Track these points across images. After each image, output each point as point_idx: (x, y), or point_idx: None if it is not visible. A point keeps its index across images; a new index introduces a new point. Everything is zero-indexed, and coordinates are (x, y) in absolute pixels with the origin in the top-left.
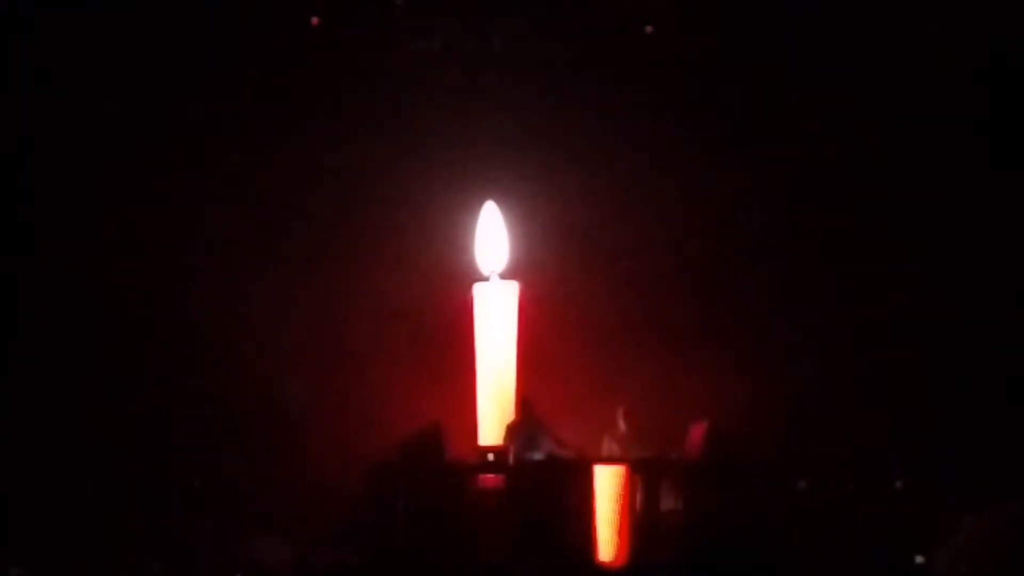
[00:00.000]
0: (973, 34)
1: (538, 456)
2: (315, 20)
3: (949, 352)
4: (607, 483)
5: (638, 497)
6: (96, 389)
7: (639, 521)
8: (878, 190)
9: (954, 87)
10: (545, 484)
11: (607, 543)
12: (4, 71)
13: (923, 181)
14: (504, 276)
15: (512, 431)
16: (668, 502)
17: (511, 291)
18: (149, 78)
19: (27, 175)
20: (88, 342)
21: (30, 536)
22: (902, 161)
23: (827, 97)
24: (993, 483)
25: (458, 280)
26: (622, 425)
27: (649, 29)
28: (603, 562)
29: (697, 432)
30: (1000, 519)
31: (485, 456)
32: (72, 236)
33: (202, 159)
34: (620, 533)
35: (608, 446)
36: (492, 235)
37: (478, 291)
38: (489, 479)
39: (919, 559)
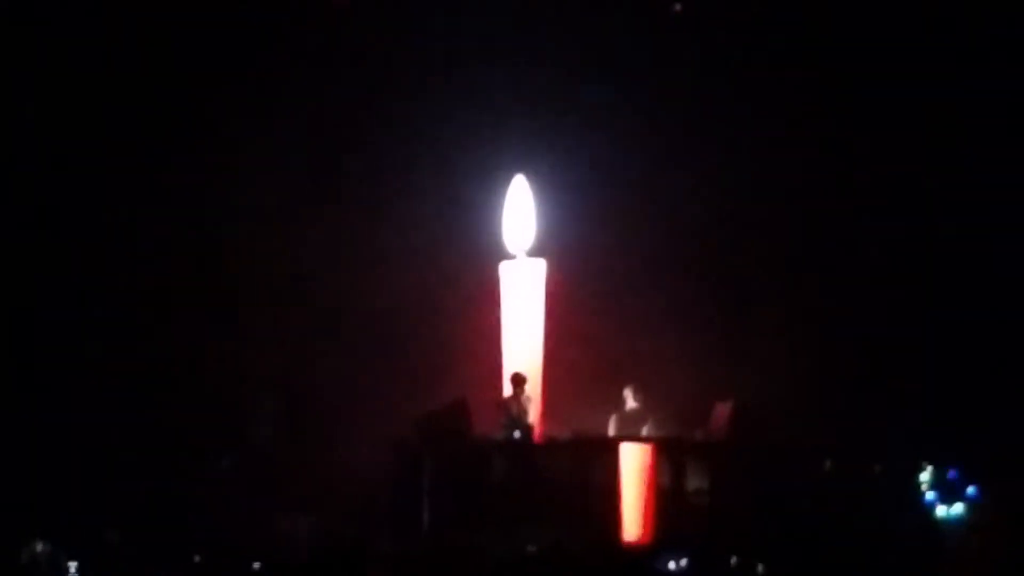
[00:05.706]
0: None
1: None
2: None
3: (979, 337)
4: (633, 461)
5: (664, 476)
6: (134, 369)
7: (665, 500)
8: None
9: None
10: (572, 462)
11: (633, 521)
12: None
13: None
14: (531, 254)
15: (503, 407)
16: (694, 481)
17: (538, 269)
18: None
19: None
20: (122, 319)
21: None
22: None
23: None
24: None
25: (486, 258)
26: (630, 402)
27: (677, 7)
28: (629, 540)
29: (722, 411)
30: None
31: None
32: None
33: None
34: (646, 511)
35: (616, 424)
36: (520, 211)
37: (505, 269)
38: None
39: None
